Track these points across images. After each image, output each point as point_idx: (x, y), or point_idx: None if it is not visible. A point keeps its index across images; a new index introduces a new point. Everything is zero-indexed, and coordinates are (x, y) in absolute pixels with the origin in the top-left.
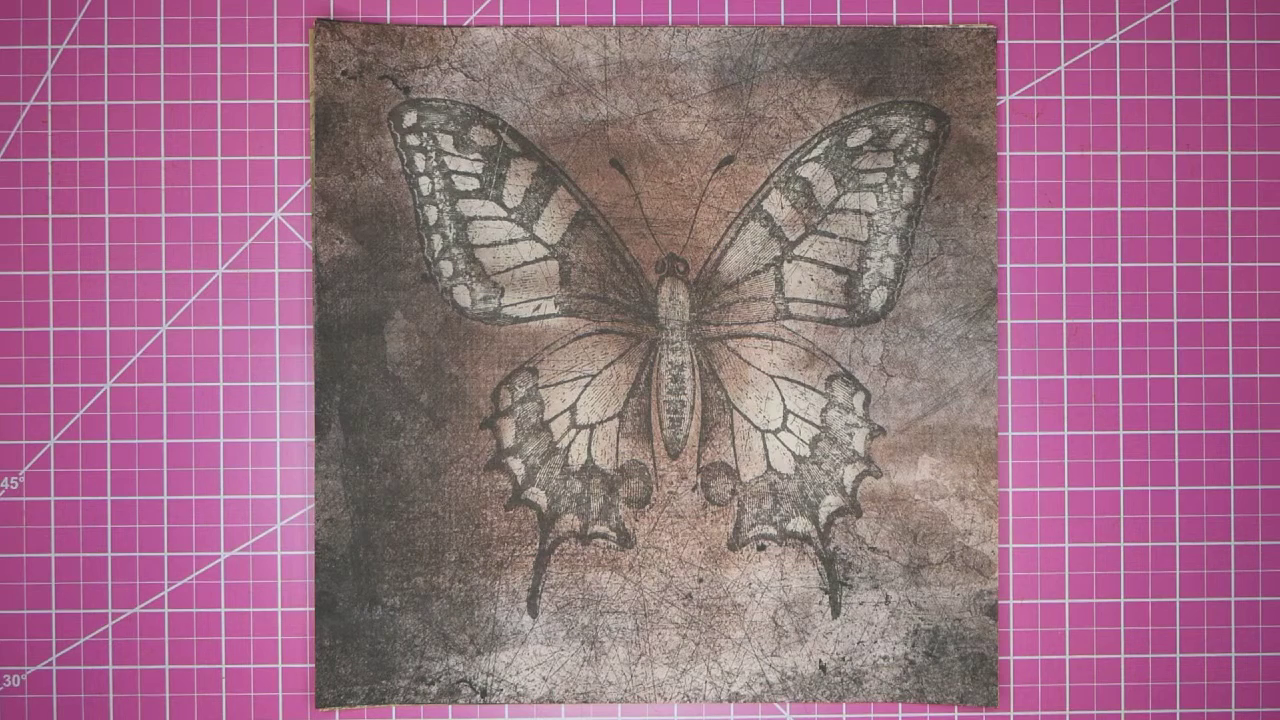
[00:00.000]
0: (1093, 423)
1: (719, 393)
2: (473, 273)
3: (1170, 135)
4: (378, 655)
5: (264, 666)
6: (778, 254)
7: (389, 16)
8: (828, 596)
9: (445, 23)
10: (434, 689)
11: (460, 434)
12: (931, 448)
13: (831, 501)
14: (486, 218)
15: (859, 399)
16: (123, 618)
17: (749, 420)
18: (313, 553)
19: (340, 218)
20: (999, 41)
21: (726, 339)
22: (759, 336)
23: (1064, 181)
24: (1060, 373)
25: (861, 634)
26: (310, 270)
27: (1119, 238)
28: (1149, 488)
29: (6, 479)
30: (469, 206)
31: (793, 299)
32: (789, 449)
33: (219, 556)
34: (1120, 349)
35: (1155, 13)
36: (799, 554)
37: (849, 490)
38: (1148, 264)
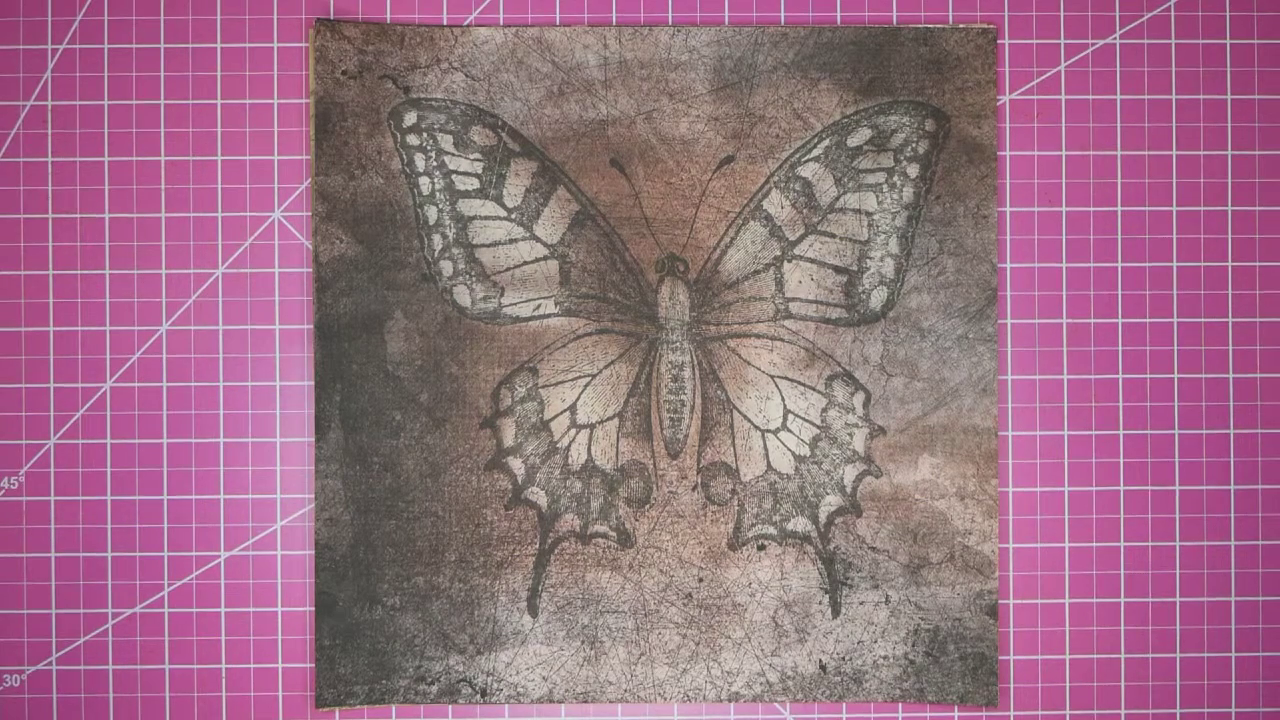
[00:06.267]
0: (1093, 423)
1: (719, 392)
2: (473, 272)
3: (1170, 135)
4: (378, 655)
5: (264, 666)
6: (778, 254)
7: (389, 16)
8: (828, 596)
9: (445, 23)
10: (434, 689)
11: (460, 434)
12: (931, 447)
13: (831, 501)
14: (486, 217)
15: (859, 399)
16: (123, 618)
17: (749, 420)
18: (313, 553)
19: (340, 217)
20: (999, 41)
21: (726, 339)
22: (759, 336)
23: (1064, 181)
24: (1060, 373)
25: (861, 634)
26: (310, 270)
27: (1119, 238)
28: (1149, 488)
29: (6, 479)
30: (469, 206)
31: (793, 299)
32: (789, 449)
33: (219, 556)
34: (1120, 349)
35: (1155, 13)
36: (799, 554)
37: (849, 490)
38: (1148, 264)
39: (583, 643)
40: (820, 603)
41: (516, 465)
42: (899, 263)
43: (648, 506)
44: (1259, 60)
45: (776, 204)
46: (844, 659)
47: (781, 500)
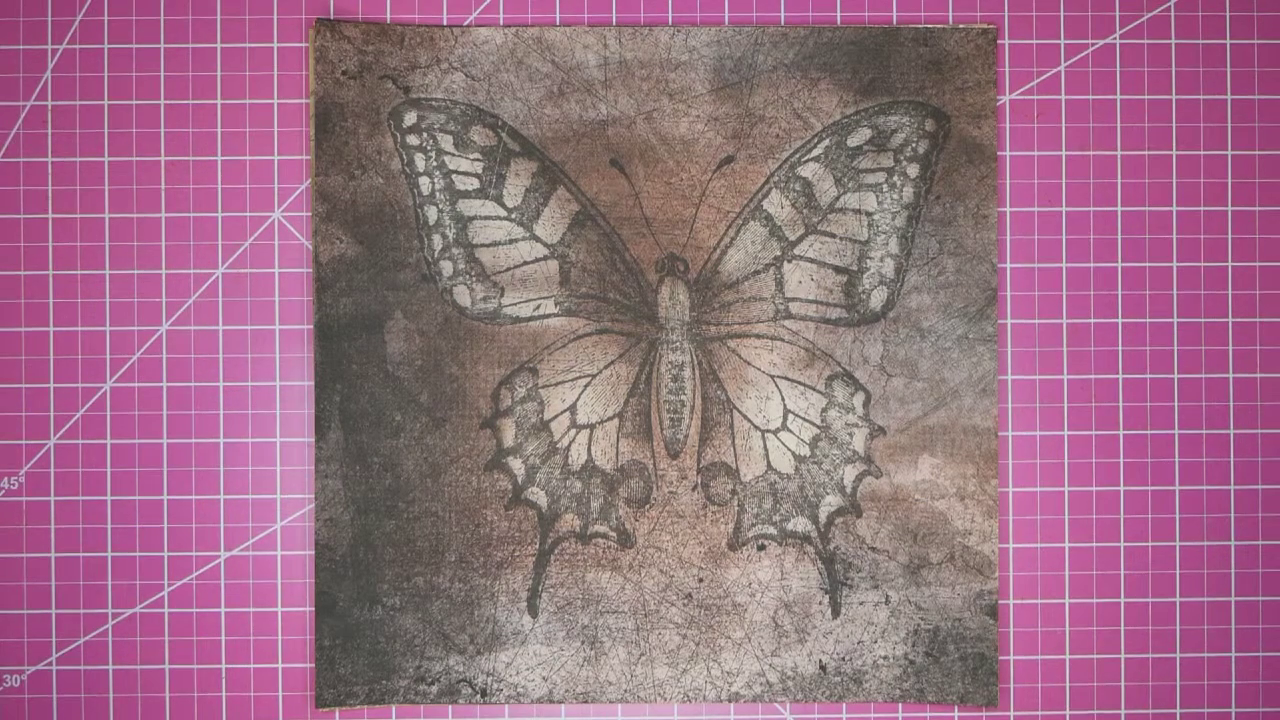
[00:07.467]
0: (1093, 423)
1: (719, 392)
2: (473, 272)
3: (1170, 135)
4: (378, 655)
5: (264, 666)
6: (778, 254)
7: (389, 16)
8: (828, 596)
9: (445, 23)
10: (434, 689)
11: (460, 434)
12: (931, 448)
13: (831, 501)
14: (486, 217)
15: (859, 399)
16: (123, 618)
17: (749, 420)
18: (313, 553)
19: (340, 217)
20: (999, 41)
21: (726, 339)
22: (759, 336)
23: (1064, 181)
24: (1060, 373)
25: (861, 634)
26: (310, 270)
27: (1119, 238)
28: (1149, 488)
29: (6, 479)
30: (469, 206)
31: (793, 299)
32: (789, 449)
33: (219, 556)
34: (1120, 349)
35: (1155, 13)
36: (799, 554)
37: (849, 490)
38: (1148, 264)
39: (583, 643)
40: (820, 603)
41: (516, 465)
42: (899, 263)
43: (648, 506)
44: (1259, 60)
45: (776, 204)
46: (844, 659)
47: (781, 500)
